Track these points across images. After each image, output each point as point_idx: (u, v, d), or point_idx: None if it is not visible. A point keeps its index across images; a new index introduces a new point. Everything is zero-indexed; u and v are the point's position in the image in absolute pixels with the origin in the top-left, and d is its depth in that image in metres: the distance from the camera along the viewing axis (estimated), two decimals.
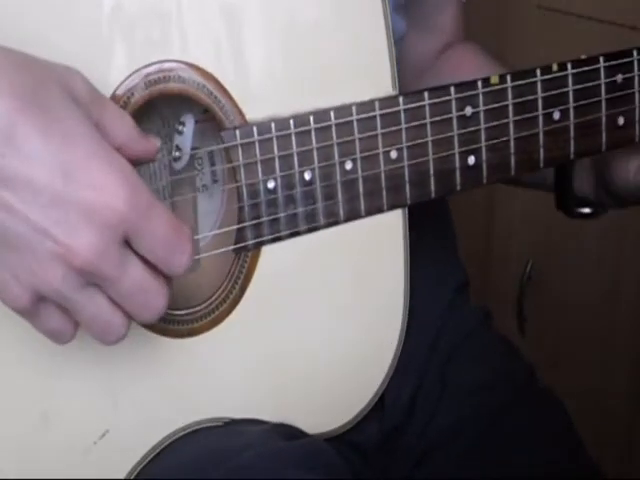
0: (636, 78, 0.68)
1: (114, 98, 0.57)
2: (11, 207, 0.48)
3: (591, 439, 0.79)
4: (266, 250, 0.62)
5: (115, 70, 0.57)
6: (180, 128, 0.64)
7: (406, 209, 0.65)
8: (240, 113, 0.60)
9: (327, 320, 0.65)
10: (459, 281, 0.83)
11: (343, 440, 0.69)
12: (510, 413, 0.76)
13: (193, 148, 0.65)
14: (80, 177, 0.49)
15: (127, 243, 0.51)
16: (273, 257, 0.63)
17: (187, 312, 0.61)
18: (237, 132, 0.59)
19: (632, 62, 0.68)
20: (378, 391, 0.68)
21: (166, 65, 0.58)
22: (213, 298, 0.62)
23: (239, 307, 0.62)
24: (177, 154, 0.64)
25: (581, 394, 1.28)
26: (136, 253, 0.51)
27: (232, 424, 0.65)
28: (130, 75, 0.57)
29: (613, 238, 1.32)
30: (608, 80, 0.67)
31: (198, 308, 0.62)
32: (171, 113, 0.64)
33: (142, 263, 0.51)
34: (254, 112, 0.60)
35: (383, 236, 0.66)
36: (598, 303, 1.36)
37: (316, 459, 0.63)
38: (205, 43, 0.59)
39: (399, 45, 0.77)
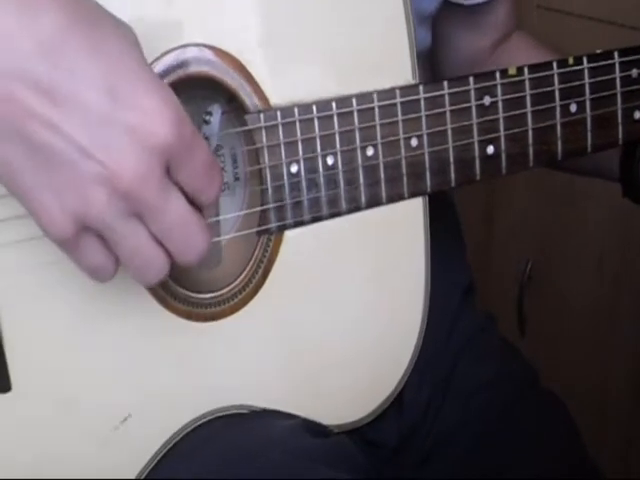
0: None
1: None
2: (57, 126, 0.47)
3: (591, 439, 0.79)
4: (289, 237, 0.63)
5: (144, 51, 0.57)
6: (207, 118, 0.64)
7: (427, 200, 0.66)
8: (264, 98, 0.61)
9: (348, 310, 0.66)
10: (467, 285, 0.84)
11: (363, 438, 0.69)
12: (513, 414, 0.76)
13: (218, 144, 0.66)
14: (128, 99, 0.48)
15: (170, 174, 0.50)
16: (296, 245, 0.63)
17: (211, 296, 0.62)
18: (261, 115, 0.60)
19: None
20: (398, 386, 0.68)
21: (190, 48, 0.59)
22: (236, 283, 0.62)
23: (261, 293, 0.63)
24: None
25: (581, 394, 1.28)
26: (177, 186, 0.50)
27: (253, 415, 0.64)
28: (157, 58, 0.58)
29: (613, 238, 1.33)
30: (623, 74, 0.69)
31: (221, 292, 0.62)
32: (194, 100, 0.64)
33: (183, 195, 0.51)
34: (278, 98, 0.61)
35: (404, 227, 0.66)
36: (598, 303, 1.36)
37: (343, 458, 0.63)
38: (231, 29, 0.60)
39: (423, 58, 0.78)
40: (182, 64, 0.59)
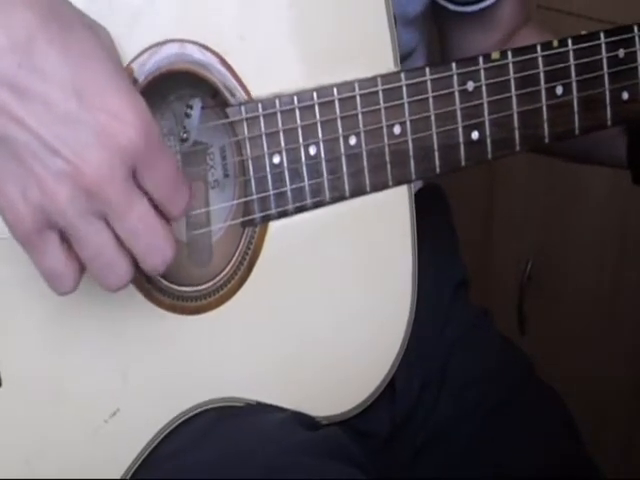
0: (638, 52, 0.69)
1: None
2: (23, 121, 0.48)
3: (591, 438, 0.79)
4: (274, 229, 0.63)
5: (124, 48, 0.57)
6: (188, 111, 0.65)
7: (412, 191, 0.66)
8: (246, 92, 0.61)
9: (333, 302, 0.65)
10: (459, 279, 0.84)
11: (354, 428, 0.69)
12: (509, 407, 0.76)
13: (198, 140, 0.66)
14: (95, 100, 0.49)
15: (135, 178, 0.50)
16: (281, 237, 0.63)
17: (195, 289, 0.62)
18: (242, 108, 0.60)
19: (633, 38, 0.69)
20: (386, 378, 0.68)
21: (171, 43, 0.59)
22: (221, 275, 0.62)
23: (246, 285, 0.63)
24: (185, 135, 0.65)
25: (581, 394, 1.27)
26: (142, 191, 0.51)
27: (244, 409, 0.64)
28: (139, 55, 0.58)
29: (613, 238, 1.32)
30: (610, 55, 0.68)
31: (206, 285, 0.62)
32: (177, 93, 0.64)
33: (148, 200, 0.51)
34: (260, 91, 0.61)
35: (389, 217, 0.66)
36: (598, 303, 1.36)
37: (337, 449, 0.63)
38: (212, 23, 0.60)
39: (408, 59, 0.78)
40: (164, 60, 0.59)
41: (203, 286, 0.62)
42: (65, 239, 0.51)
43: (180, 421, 0.63)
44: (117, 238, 0.51)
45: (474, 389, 0.76)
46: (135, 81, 0.58)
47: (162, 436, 0.62)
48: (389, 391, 0.69)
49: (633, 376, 1.34)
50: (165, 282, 0.61)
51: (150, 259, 0.52)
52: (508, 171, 1.33)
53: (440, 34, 0.89)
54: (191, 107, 0.64)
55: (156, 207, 0.52)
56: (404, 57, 0.76)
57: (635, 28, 0.69)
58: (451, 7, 0.83)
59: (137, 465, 0.63)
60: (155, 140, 0.50)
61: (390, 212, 0.65)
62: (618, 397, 1.36)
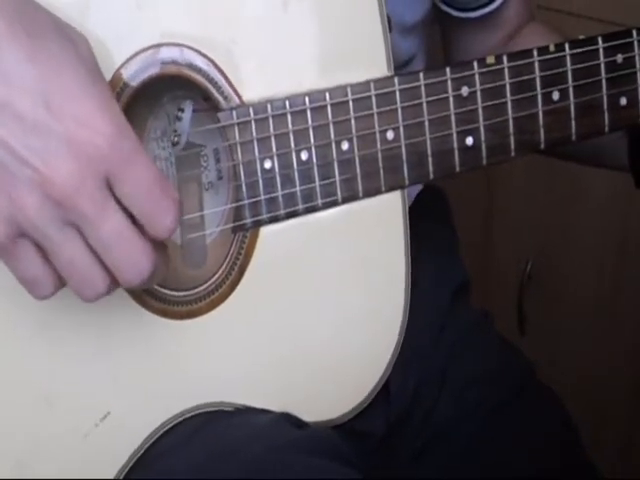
0: (637, 57, 0.68)
1: (113, 80, 0.58)
2: None
3: (591, 438, 0.78)
4: (265, 233, 0.62)
5: (115, 52, 0.58)
6: (179, 114, 0.64)
7: (405, 194, 0.65)
8: (238, 96, 0.60)
9: (326, 306, 0.65)
10: (460, 281, 0.83)
11: (348, 428, 0.69)
12: (509, 409, 0.75)
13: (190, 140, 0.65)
14: (64, 107, 0.48)
15: (110, 189, 0.50)
16: (272, 241, 0.63)
17: (186, 293, 0.62)
18: (234, 112, 0.60)
19: (632, 42, 0.68)
20: (380, 380, 0.67)
21: (164, 48, 0.59)
22: (212, 280, 0.62)
23: (238, 289, 0.62)
24: (176, 139, 0.65)
25: (581, 393, 1.28)
26: (119, 204, 0.50)
27: (234, 412, 0.64)
28: (130, 58, 0.58)
29: (614, 238, 1.32)
30: (608, 60, 0.67)
31: (197, 290, 0.62)
32: (170, 95, 0.64)
33: (124, 213, 0.50)
34: (252, 95, 0.60)
35: (383, 221, 0.65)
36: (598, 303, 1.35)
37: (327, 446, 0.63)
38: (203, 27, 0.59)
39: (407, 67, 0.78)
40: (156, 63, 0.59)
41: (194, 290, 0.62)
42: (41, 248, 0.50)
43: (171, 425, 0.63)
44: (92, 249, 0.50)
45: (474, 390, 0.76)
46: (126, 85, 0.58)
47: (153, 440, 0.62)
48: (383, 392, 0.69)
49: (633, 376, 1.34)
50: (156, 287, 0.61)
51: (125, 272, 0.51)
52: (508, 171, 1.33)
53: (443, 37, 0.88)
54: (182, 110, 0.63)
55: (135, 221, 0.51)
56: (403, 64, 0.76)
57: (634, 33, 0.68)
58: (454, 13, 0.83)
59: (128, 468, 0.63)
60: (128, 149, 0.49)
61: (383, 216, 0.65)
62: (618, 397, 1.35)
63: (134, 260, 0.51)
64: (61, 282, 0.52)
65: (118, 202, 0.50)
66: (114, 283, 0.52)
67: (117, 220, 0.50)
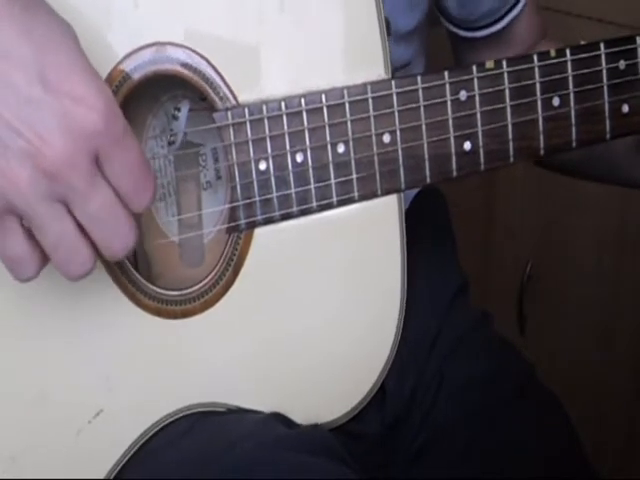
0: None
1: (110, 77, 0.58)
2: None
3: (591, 438, 0.78)
4: (259, 235, 0.63)
5: (112, 49, 0.58)
6: (176, 114, 0.65)
7: (402, 197, 0.65)
8: (234, 96, 0.60)
9: (320, 308, 0.65)
10: (457, 283, 0.83)
11: (344, 429, 0.68)
12: (509, 409, 0.75)
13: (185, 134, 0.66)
14: (60, 83, 0.49)
15: (98, 165, 0.50)
16: (266, 242, 0.63)
17: (181, 293, 0.62)
18: (229, 113, 0.60)
19: (635, 49, 0.67)
20: (377, 382, 0.67)
21: (162, 47, 0.59)
22: (206, 280, 0.62)
23: (232, 290, 0.63)
24: (172, 138, 0.65)
25: (581, 393, 1.27)
26: (105, 179, 0.51)
27: (227, 412, 0.64)
28: (127, 56, 0.58)
29: (613, 238, 1.31)
30: (610, 66, 0.66)
31: (191, 290, 0.62)
32: (169, 94, 0.65)
33: (112, 188, 0.51)
34: (247, 96, 0.61)
35: (378, 223, 0.65)
36: (598, 303, 1.34)
37: (318, 444, 0.63)
38: (201, 26, 0.59)
39: (403, 72, 0.77)
40: (153, 61, 0.59)
41: (189, 290, 0.62)
42: (27, 226, 0.51)
43: (163, 424, 0.63)
44: (78, 225, 0.51)
45: (474, 391, 0.76)
46: (125, 79, 0.59)
47: (145, 438, 0.63)
48: (379, 393, 0.69)
49: (633, 376, 1.33)
50: (151, 286, 0.61)
51: (110, 245, 0.52)
52: (508, 172, 1.32)
53: (454, 54, 0.88)
54: (179, 109, 0.64)
55: (121, 198, 0.51)
56: (396, 71, 0.75)
57: (637, 39, 0.67)
58: (462, 33, 0.83)
59: (120, 465, 0.63)
60: (119, 128, 0.50)
61: (379, 218, 0.65)
62: (618, 397, 1.35)
63: (122, 232, 0.52)
64: (44, 262, 0.53)
65: (104, 178, 0.51)
66: (99, 258, 0.53)
67: (105, 194, 0.51)
